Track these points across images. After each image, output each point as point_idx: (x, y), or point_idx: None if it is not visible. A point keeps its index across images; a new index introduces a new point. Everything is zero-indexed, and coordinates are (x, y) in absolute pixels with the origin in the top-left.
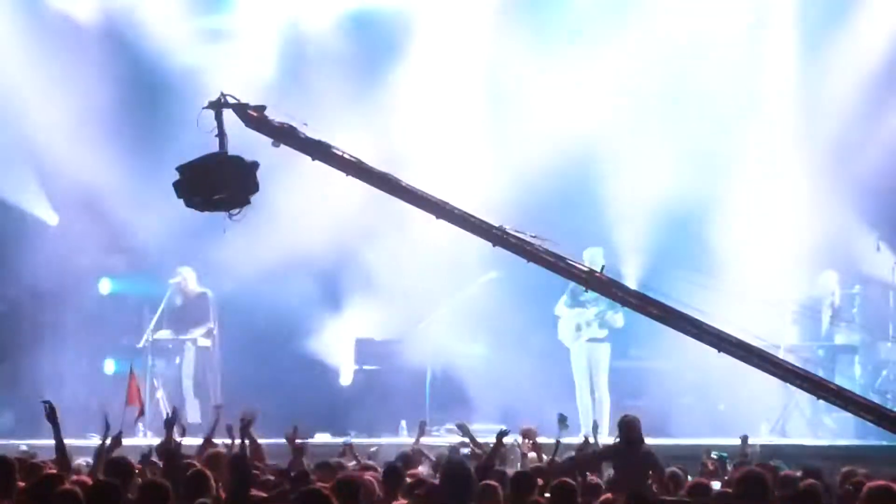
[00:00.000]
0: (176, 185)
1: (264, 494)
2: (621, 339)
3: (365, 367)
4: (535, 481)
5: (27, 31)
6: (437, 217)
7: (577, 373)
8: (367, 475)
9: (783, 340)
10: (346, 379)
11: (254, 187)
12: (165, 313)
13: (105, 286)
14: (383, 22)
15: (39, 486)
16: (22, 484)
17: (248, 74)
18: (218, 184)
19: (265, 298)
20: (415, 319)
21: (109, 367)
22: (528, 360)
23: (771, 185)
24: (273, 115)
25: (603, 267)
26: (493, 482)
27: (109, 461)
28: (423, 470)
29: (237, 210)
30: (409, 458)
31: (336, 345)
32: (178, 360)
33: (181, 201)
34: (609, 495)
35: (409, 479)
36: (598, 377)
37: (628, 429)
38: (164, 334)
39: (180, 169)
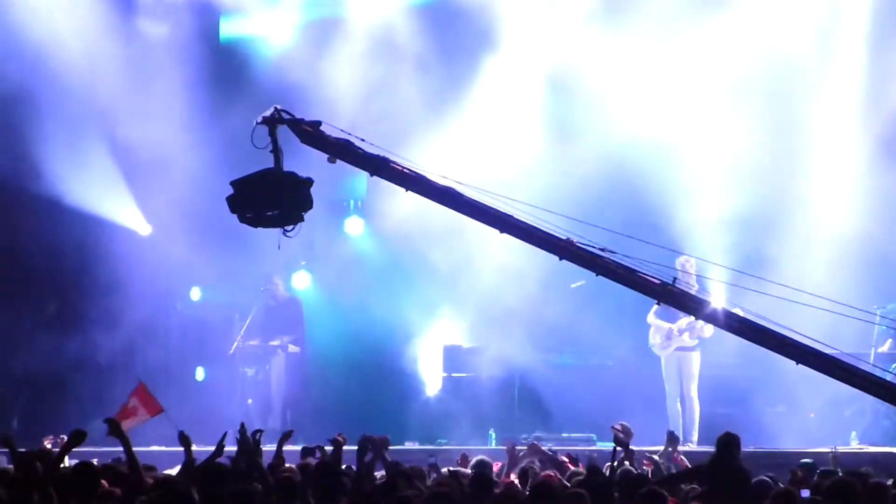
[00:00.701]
0: (230, 199)
1: None
2: (712, 347)
3: (454, 375)
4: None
5: (123, 46)
6: (501, 231)
7: (668, 381)
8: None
9: (875, 346)
10: (434, 387)
11: (307, 204)
12: (256, 320)
13: (196, 293)
14: (461, 19)
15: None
16: (115, 490)
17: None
18: (271, 200)
19: (354, 307)
20: (503, 327)
21: (200, 374)
22: (618, 369)
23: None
24: (330, 129)
25: (675, 279)
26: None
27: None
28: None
29: (291, 227)
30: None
31: (425, 353)
32: (267, 367)
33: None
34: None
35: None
36: (689, 385)
37: (726, 447)
38: (255, 341)
39: (234, 184)
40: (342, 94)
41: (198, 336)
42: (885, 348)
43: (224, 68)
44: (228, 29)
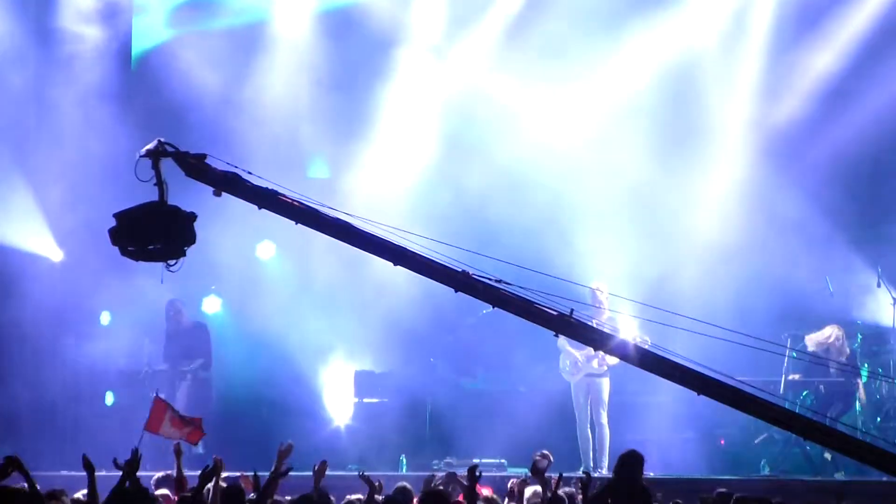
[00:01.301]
0: (112, 232)
1: None
2: (621, 373)
3: (364, 400)
4: None
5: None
6: (396, 264)
7: (577, 408)
8: None
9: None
10: (345, 412)
11: (190, 238)
12: (163, 344)
13: (105, 317)
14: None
15: None
16: None
17: None
18: (153, 234)
19: (265, 332)
20: (414, 352)
21: (109, 398)
22: (529, 394)
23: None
24: (214, 162)
25: (572, 311)
26: None
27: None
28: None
29: (174, 261)
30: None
31: (336, 378)
32: (176, 392)
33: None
34: None
35: None
36: (599, 412)
37: (628, 466)
38: (163, 366)
39: (117, 216)
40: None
41: (106, 361)
42: (796, 377)
43: (136, 83)
44: (140, 43)
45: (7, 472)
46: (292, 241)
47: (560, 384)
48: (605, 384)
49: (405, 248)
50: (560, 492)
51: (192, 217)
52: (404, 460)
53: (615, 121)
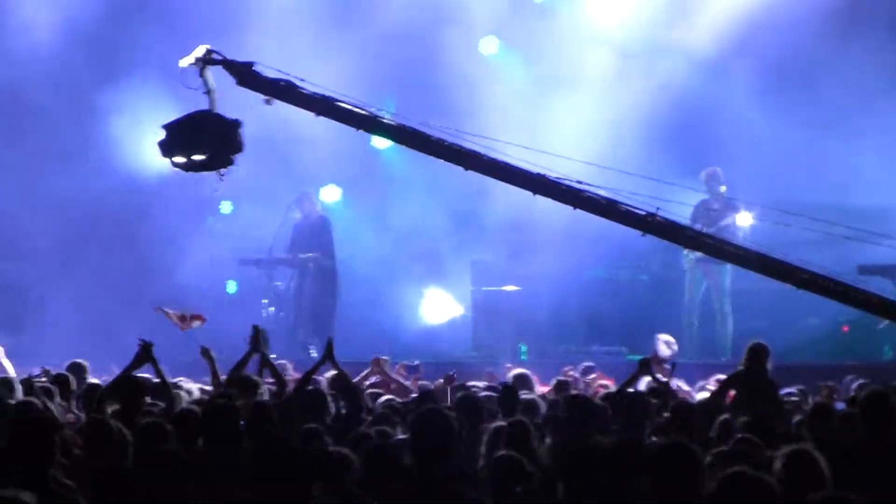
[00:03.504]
0: (161, 144)
1: None
2: None
3: (483, 289)
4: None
5: None
6: (467, 168)
7: (690, 292)
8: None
9: None
10: (462, 302)
11: (237, 146)
12: (287, 234)
13: (227, 207)
14: None
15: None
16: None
17: None
18: (199, 143)
19: (383, 222)
20: (533, 240)
21: (231, 287)
22: (651, 283)
23: None
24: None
25: (658, 209)
26: None
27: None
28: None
29: (224, 170)
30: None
31: (454, 267)
32: (296, 281)
33: None
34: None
35: None
36: (721, 299)
37: (755, 357)
38: (285, 255)
39: (166, 127)
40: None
41: (228, 250)
42: None
43: None
44: None
45: (142, 360)
46: None
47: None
48: (727, 271)
49: (478, 153)
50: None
51: (238, 124)
52: (524, 348)
53: None
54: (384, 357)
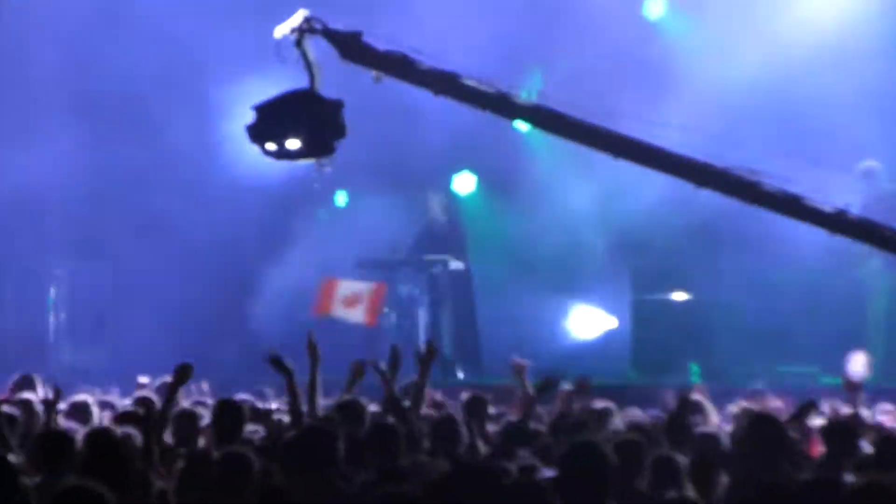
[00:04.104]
0: (250, 128)
1: None
2: None
3: (645, 297)
4: None
5: None
6: (616, 156)
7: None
8: None
9: None
10: (619, 311)
11: (338, 131)
12: (411, 233)
13: (341, 199)
14: None
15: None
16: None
17: None
18: (292, 127)
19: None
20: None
21: None
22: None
23: None
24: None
25: (847, 205)
26: None
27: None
28: None
29: (324, 160)
30: None
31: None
32: (423, 287)
33: None
34: None
35: None
36: None
37: None
38: (408, 256)
39: (257, 109)
40: None
41: (343, 249)
42: None
43: None
44: None
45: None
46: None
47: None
48: None
49: (632, 138)
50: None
51: (340, 105)
52: (696, 368)
53: None
54: (523, 361)
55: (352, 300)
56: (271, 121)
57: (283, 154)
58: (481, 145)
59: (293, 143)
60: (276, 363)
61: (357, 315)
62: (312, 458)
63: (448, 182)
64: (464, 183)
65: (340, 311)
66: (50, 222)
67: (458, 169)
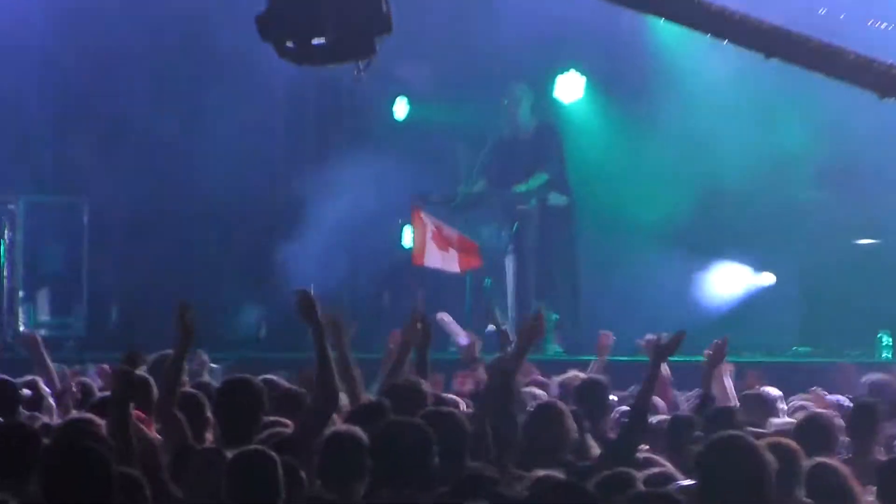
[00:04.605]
0: (260, 20)
1: None
2: None
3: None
4: None
5: None
6: (769, 56)
7: None
8: None
9: None
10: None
11: (381, 24)
12: (489, 156)
13: (401, 109)
14: None
15: None
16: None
17: None
18: (319, 19)
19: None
20: None
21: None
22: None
23: None
24: None
25: None
26: None
27: None
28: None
29: (363, 63)
30: None
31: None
32: (510, 228)
33: None
34: None
35: None
36: None
37: None
38: (488, 189)
39: None
40: None
41: (404, 168)
42: None
43: None
44: None
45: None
46: None
47: None
48: None
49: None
50: None
51: None
52: (887, 340)
53: None
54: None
55: (443, 242)
56: (290, 11)
57: (305, 55)
58: (593, 38)
59: (319, 42)
60: (308, 312)
61: (451, 261)
62: (402, 467)
63: (548, 86)
64: (568, 86)
65: (434, 256)
66: None
67: (561, 68)
